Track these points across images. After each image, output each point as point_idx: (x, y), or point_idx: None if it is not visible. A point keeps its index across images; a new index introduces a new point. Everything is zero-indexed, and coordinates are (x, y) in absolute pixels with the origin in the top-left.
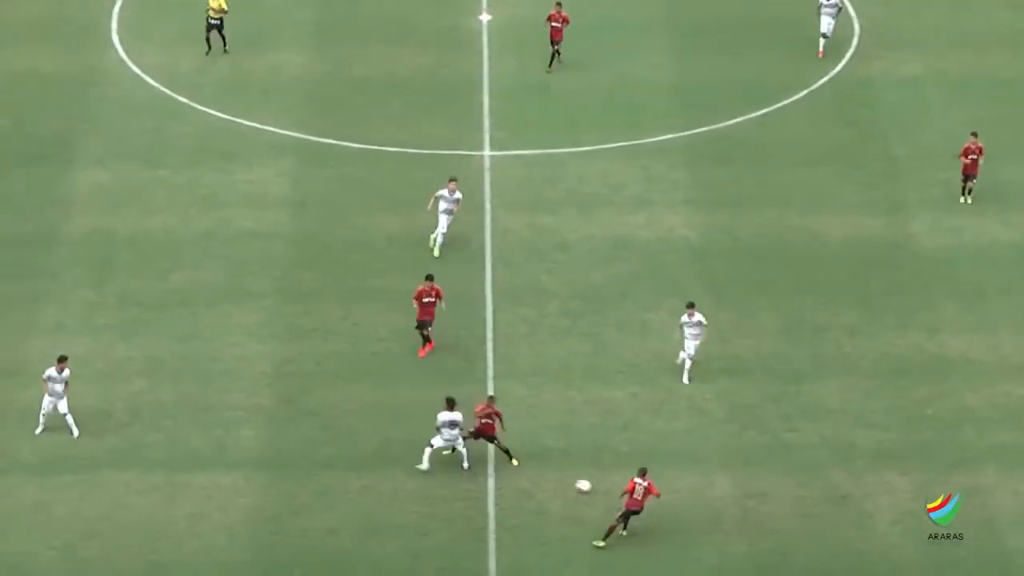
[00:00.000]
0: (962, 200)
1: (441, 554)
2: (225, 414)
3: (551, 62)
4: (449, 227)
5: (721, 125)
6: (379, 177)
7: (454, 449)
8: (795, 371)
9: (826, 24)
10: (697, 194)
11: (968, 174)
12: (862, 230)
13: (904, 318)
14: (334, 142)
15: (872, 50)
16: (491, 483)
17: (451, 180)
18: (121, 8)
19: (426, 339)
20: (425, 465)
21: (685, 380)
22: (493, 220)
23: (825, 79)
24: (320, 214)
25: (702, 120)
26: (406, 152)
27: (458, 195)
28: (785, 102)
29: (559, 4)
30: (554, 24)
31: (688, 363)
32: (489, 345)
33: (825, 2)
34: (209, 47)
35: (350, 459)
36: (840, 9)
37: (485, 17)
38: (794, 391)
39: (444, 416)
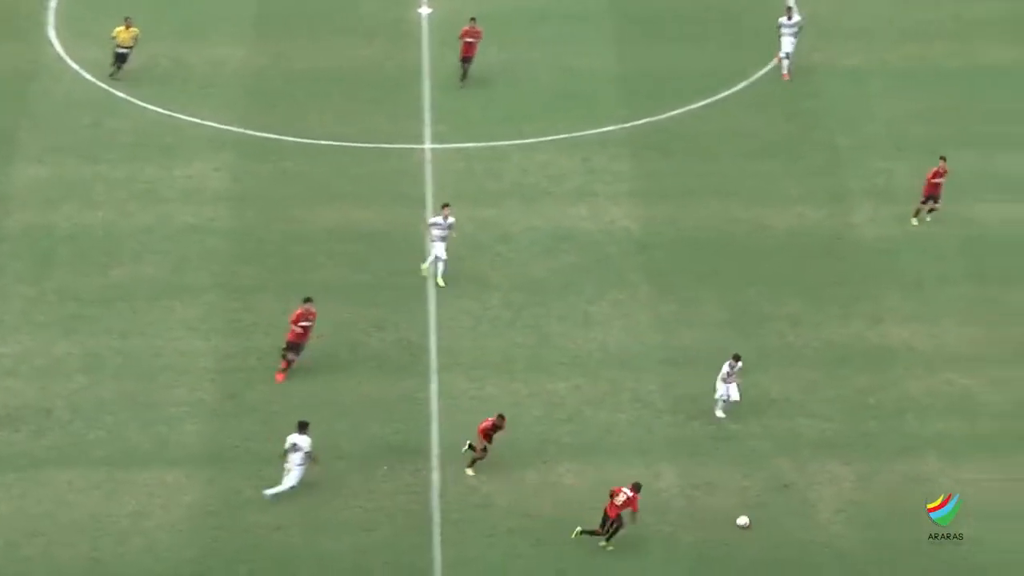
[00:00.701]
0: (914, 222)
1: (386, 548)
2: (167, 410)
3: (463, 76)
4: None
5: (663, 116)
6: (319, 171)
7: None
8: None
9: (788, 44)
10: (640, 186)
11: (933, 195)
12: (805, 221)
13: (847, 308)
14: (274, 136)
15: (814, 41)
16: (435, 476)
17: (444, 206)
18: (58, 3)
19: (289, 363)
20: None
21: (720, 414)
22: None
23: (766, 70)
24: (260, 208)
25: (645, 112)
26: (346, 146)
27: (451, 220)
28: (727, 93)
29: (473, 20)
30: (467, 40)
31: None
32: (432, 338)
33: (786, 23)
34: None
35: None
36: (801, 28)
37: (425, 10)
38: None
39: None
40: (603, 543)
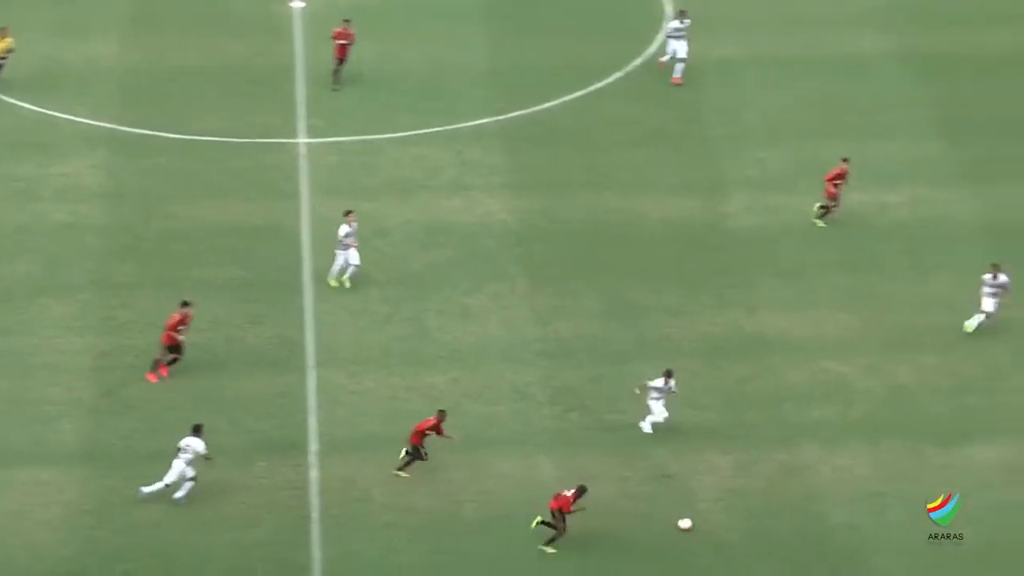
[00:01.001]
0: (821, 223)
1: (266, 545)
2: (44, 408)
3: (336, 75)
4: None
5: (538, 108)
6: (195, 167)
7: (168, 486)
8: (617, 353)
9: (682, 49)
10: (515, 178)
11: (835, 197)
12: (681, 211)
13: (723, 298)
14: (149, 132)
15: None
16: (314, 473)
17: (348, 213)
18: None
19: (164, 364)
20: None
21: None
22: (311, 208)
23: (640, 61)
24: (136, 205)
25: (519, 104)
26: (222, 141)
27: (355, 224)
28: (601, 84)
29: (347, 21)
30: (340, 42)
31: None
32: (309, 333)
33: (678, 26)
34: None
35: (173, 452)
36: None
37: (298, 4)
38: (616, 372)
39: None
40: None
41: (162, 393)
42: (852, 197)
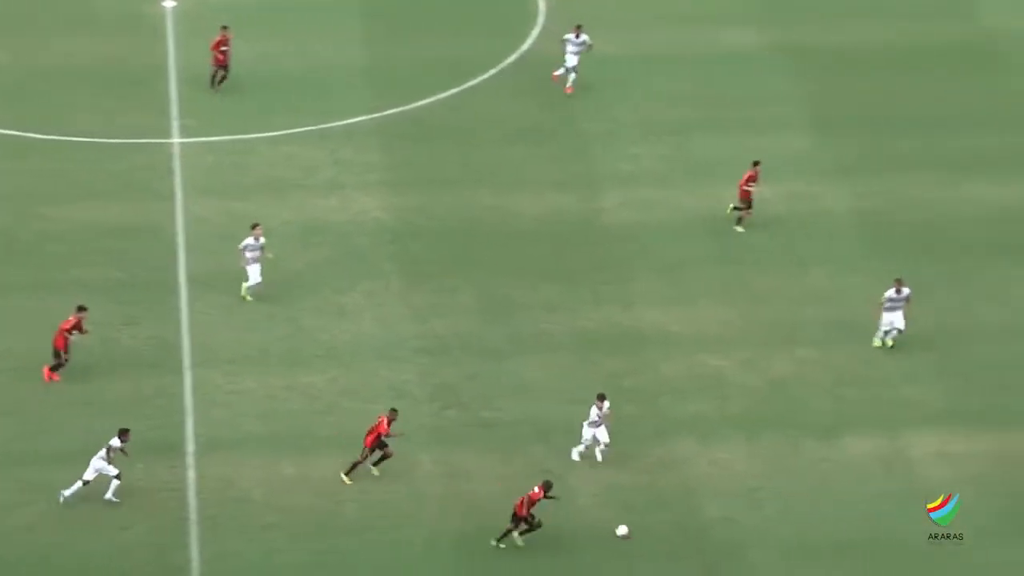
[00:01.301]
0: (740, 229)
1: (145, 547)
2: None
3: (220, 82)
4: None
5: (413, 106)
6: (69, 168)
7: (86, 483)
8: (494, 349)
9: (572, 60)
10: (390, 176)
11: (748, 199)
12: (556, 207)
13: (599, 293)
14: (21, 134)
15: (560, 27)
16: (192, 474)
17: (255, 226)
18: None
19: (51, 368)
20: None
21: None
22: (185, 208)
23: (514, 57)
24: (10, 207)
25: (393, 101)
26: (95, 142)
27: (263, 239)
28: (475, 81)
29: (225, 28)
30: (222, 49)
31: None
32: (185, 334)
33: (573, 40)
34: None
35: (50, 454)
36: (589, 48)
37: (169, 3)
38: (494, 369)
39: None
40: (499, 541)
41: (40, 396)
42: (727, 192)
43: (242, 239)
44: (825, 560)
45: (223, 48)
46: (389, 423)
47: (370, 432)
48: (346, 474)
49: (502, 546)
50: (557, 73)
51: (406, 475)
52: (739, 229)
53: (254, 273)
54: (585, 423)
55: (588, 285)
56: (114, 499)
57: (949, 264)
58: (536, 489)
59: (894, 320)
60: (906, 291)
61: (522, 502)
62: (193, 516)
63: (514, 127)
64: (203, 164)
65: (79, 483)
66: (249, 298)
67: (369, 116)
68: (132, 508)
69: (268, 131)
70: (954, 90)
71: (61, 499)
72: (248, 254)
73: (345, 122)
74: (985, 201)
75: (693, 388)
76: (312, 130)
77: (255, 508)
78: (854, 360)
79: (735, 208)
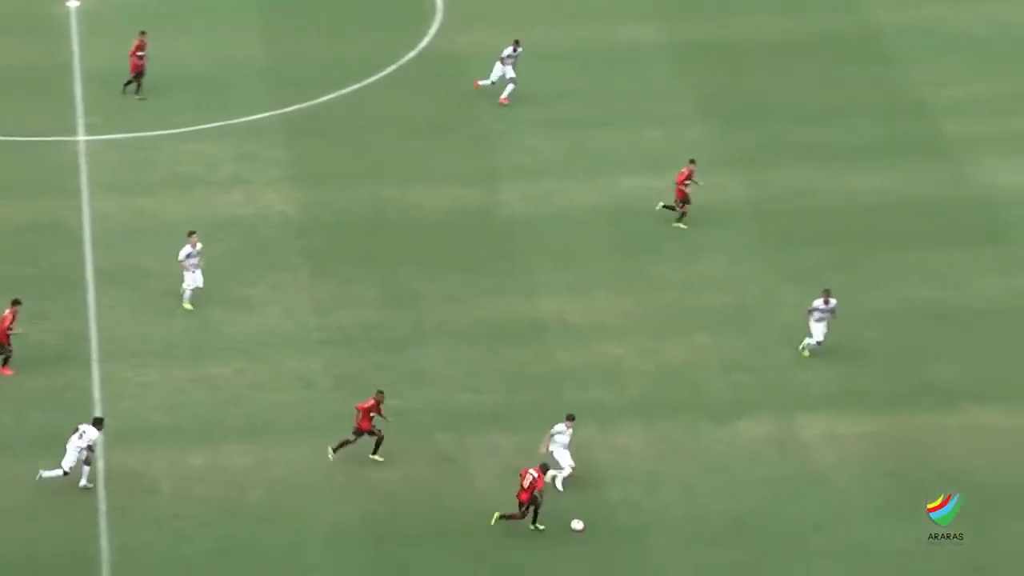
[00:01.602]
0: (683, 226)
1: (55, 539)
2: None
3: (137, 89)
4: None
5: (316, 102)
6: None
7: (66, 473)
8: (397, 339)
9: (510, 71)
10: (294, 171)
11: (682, 198)
12: (457, 200)
13: (500, 283)
14: None
15: (457, 24)
16: (101, 465)
17: (191, 234)
18: None
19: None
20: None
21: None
22: (91, 205)
23: (413, 54)
24: None
25: (297, 98)
26: (2, 140)
27: (199, 246)
28: (375, 78)
29: (144, 33)
30: (139, 54)
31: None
32: (92, 328)
33: (511, 53)
34: None
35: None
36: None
37: (73, 3)
38: (397, 359)
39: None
40: (532, 526)
41: None
42: (623, 183)
43: (145, 233)
44: (721, 541)
45: (140, 53)
46: (377, 404)
47: (362, 415)
48: (334, 450)
49: (542, 527)
50: (481, 82)
51: (311, 462)
52: (681, 226)
53: (192, 280)
54: (557, 446)
55: (489, 276)
56: (88, 484)
57: (836, 251)
58: (536, 475)
59: (816, 331)
60: (833, 302)
61: (524, 489)
62: (103, 507)
63: (414, 122)
64: (109, 161)
65: (59, 471)
66: (189, 307)
67: (272, 113)
68: (43, 500)
69: (173, 128)
70: (839, 81)
71: (38, 477)
72: (188, 262)
73: (249, 119)
74: (870, 189)
75: (592, 375)
76: (216, 127)
77: (163, 498)
78: (748, 346)
79: (665, 207)
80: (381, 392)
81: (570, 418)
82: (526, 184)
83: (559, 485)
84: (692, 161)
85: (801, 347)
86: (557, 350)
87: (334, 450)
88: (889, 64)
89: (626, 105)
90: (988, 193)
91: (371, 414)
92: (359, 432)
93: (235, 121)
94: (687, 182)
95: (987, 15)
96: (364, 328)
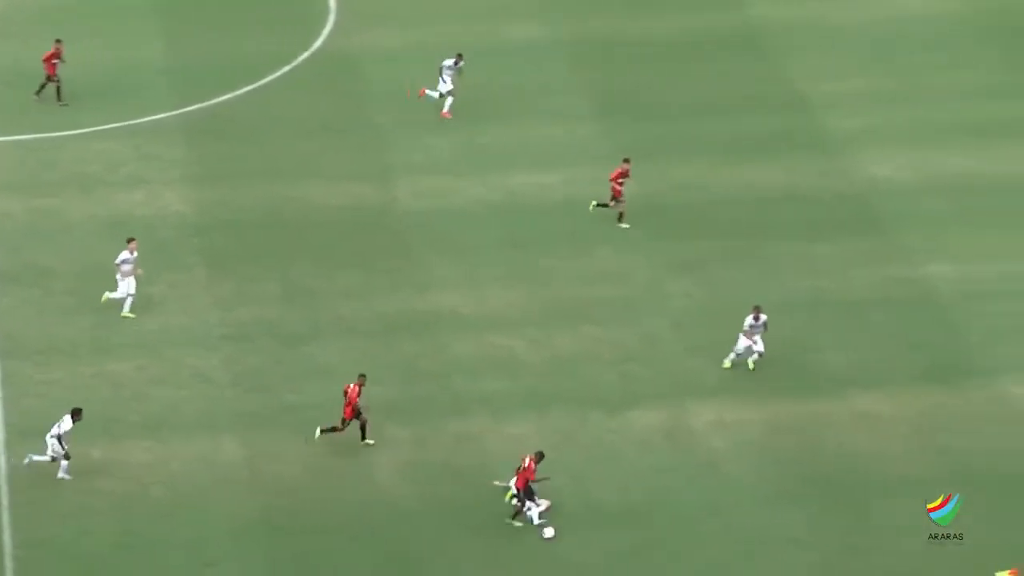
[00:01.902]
0: (625, 225)
1: None
2: None
3: (56, 94)
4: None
5: (213, 102)
6: None
7: (53, 459)
8: (295, 335)
9: (450, 84)
10: (193, 170)
11: (620, 195)
12: (352, 197)
13: (395, 279)
14: None
15: (351, 23)
16: (3, 461)
17: (130, 240)
18: None
19: None
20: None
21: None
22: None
23: (307, 54)
24: None
25: (195, 98)
26: None
27: (136, 254)
28: (272, 77)
29: (59, 41)
30: (53, 62)
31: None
32: None
33: (451, 65)
34: None
35: None
36: (461, 72)
37: None
38: (295, 354)
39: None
40: (508, 519)
41: None
42: (515, 179)
43: (47, 233)
44: (613, 528)
45: (54, 61)
46: (359, 388)
47: (347, 403)
48: (322, 431)
49: (517, 524)
50: (430, 92)
51: (211, 458)
52: (624, 225)
53: (125, 287)
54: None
55: (384, 271)
56: (67, 476)
57: (723, 243)
58: (527, 463)
59: (752, 344)
60: (763, 317)
61: (519, 478)
62: (6, 502)
63: (310, 121)
64: (10, 161)
65: (46, 457)
66: (131, 315)
67: (172, 113)
68: None
69: (74, 129)
70: (724, 77)
71: (27, 461)
72: (123, 267)
73: (150, 119)
74: (755, 183)
75: (485, 367)
76: (118, 127)
77: (66, 493)
78: (638, 336)
79: (598, 205)
80: (363, 376)
81: (538, 456)
82: (420, 181)
83: (548, 534)
84: (626, 160)
85: (727, 360)
86: (451, 343)
87: (323, 431)
88: (772, 60)
89: (518, 103)
90: (866, 185)
91: (355, 404)
92: (345, 421)
93: (137, 121)
94: (621, 179)
95: (863, 12)
96: (263, 324)
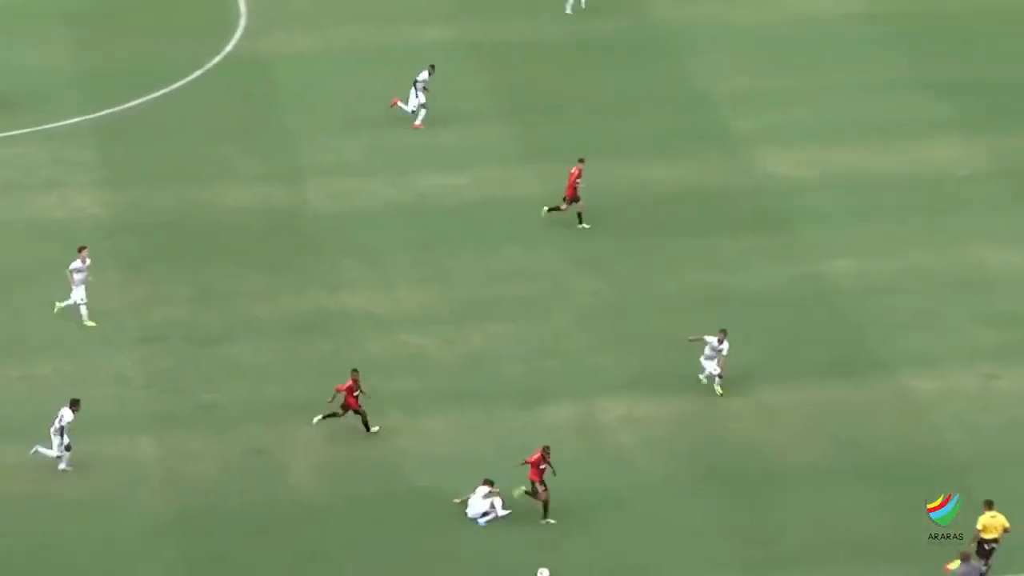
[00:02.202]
0: (586, 225)
1: None
2: None
3: None
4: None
5: (125, 107)
6: None
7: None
8: (209, 336)
9: (422, 97)
10: (106, 174)
11: (572, 196)
12: (263, 199)
13: (306, 279)
14: None
15: (261, 27)
16: None
17: (82, 248)
18: None
19: None
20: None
21: None
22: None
23: (218, 58)
24: None
25: (107, 103)
26: None
27: (88, 261)
28: (182, 82)
29: None
30: None
31: None
32: None
33: (424, 79)
34: None
35: None
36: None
37: None
38: (210, 354)
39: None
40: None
41: None
42: (423, 181)
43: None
44: (522, 521)
45: None
46: (355, 382)
47: (348, 395)
48: (323, 417)
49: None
50: (407, 105)
51: (127, 458)
52: (585, 226)
53: (77, 293)
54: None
55: (296, 272)
56: (68, 468)
57: (628, 241)
58: (534, 458)
59: (710, 367)
60: (727, 345)
61: (532, 471)
62: None
63: (221, 124)
64: None
65: (52, 453)
66: (91, 323)
67: (86, 117)
68: None
69: None
70: (627, 77)
71: (33, 451)
72: (76, 276)
73: (63, 123)
74: (658, 180)
75: (397, 365)
76: (32, 131)
77: None
78: (546, 333)
79: (551, 210)
80: (356, 371)
81: (488, 482)
82: (331, 183)
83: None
84: (581, 160)
85: (703, 377)
86: (363, 341)
87: (323, 417)
88: (674, 60)
89: (427, 105)
90: (767, 182)
91: (355, 393)
92: (346, 408)
93: (50, 126)
94: (578, 180)
95: (765, 12)
96: (177, 325)
